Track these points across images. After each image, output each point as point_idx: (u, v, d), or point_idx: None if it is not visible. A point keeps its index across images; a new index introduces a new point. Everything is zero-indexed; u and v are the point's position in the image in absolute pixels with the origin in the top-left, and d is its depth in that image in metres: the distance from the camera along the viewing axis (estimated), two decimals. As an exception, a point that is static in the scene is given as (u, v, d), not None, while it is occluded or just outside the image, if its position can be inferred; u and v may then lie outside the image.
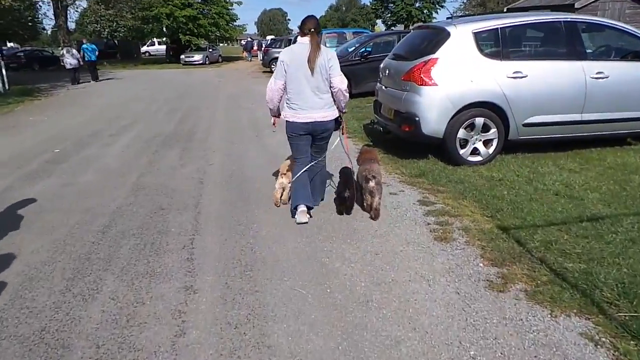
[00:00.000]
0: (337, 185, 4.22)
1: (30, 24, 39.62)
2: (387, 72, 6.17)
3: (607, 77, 5.33)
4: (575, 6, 11.32)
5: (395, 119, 5.77)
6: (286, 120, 3.95)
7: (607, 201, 4.12)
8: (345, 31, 15.70)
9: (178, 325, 2.53)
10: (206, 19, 34.35)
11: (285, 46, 21.09)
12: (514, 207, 4.02)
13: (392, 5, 52.76)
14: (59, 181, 5.27)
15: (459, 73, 5.18)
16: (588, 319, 2.50)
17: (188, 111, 10.78)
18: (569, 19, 5.44)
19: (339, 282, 2.94)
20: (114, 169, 5.78)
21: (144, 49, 47.95)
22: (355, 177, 4.21)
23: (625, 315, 2.50)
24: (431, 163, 5.50)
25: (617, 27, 5.64)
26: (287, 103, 3.92)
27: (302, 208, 3.89)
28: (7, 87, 15.60)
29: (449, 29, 5.30)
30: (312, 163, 4.06)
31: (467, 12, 44.01)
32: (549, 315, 2.55)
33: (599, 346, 2.30)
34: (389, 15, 53.44)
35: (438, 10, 52.78)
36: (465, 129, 5.27)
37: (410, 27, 43.45)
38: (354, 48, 11.21)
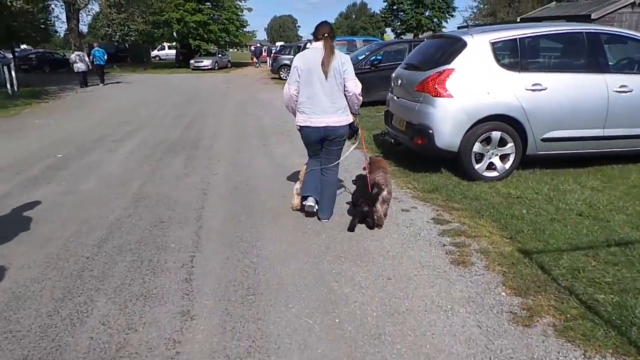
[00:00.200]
0: (352, 192, 4.07)
1: (42, 26, 39.97)
2: (399, 81, 5.95)
3: (630, 91, 5.08)
4: (592, 17, 11.07)
5: (407, 130, 5.55)
6: (299, 126, 3.94)
7: (635, 224, 3.86)
8: (355, 39, 15.57)
9: (172, 357, 2.30)
10: (216, 24, 34.42)
11: (295, 53, 21.06)
12: (535, 229, 3.77)
13: (402, 14, 52.70)
14: (58, 189, 5.09)
15: (475, 84, 4.95)
16: (626, 362, 2.25)
17: (195, 117, 10.63)
18: (591, 30, 5.21)
19: (348, 311, 2.71)
20: (116, 176, 5.59)
21: (154, 53, 48.20)
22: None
23: (668, 360, 2.24)
24: (444, 177, 5.26)
25: (642, 39, 5.40)
26: (299, 108, 3.88)
27: (310, 201, 4.03)
28: (16, 89, 15.56)
29: (466, 38, 5.07)
30: (324, 166, 4.03)
31: (477, 22, 43.75)
32: (583, 356, 2.30)
33: (641, 396, 2.05)
34: (399, 24, 53.37)
35: (448, 20, 52.69)
36: (481, 142, 5.03)
37: (420, 36, 43.36)
38: (364, 56, 11.02)
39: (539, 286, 2.93)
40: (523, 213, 4.14)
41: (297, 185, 4.31)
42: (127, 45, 42.25)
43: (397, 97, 5.93)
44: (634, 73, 5.46)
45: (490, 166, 5.15)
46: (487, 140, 5.04)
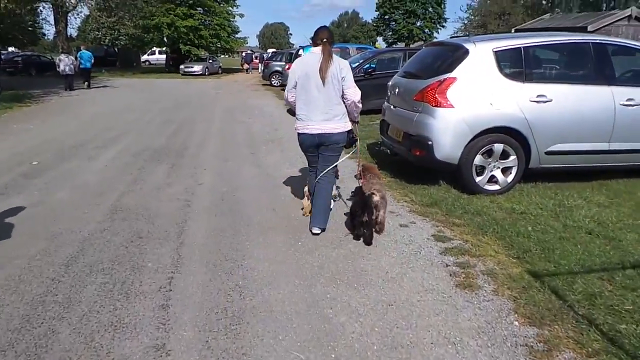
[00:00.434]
0: (352, 204, 3.88)
1: (30, 29, 39.30)
2: (396, 90, 5.70)
3: (638, 105, 4.88)
4: (588, 29, 10.99)
5: (404, 141, 5.28)
6: (297, 132, 3.87)
7: (649, 244, 3.62)
8: (348, 46, 15.38)
9: (140, 404, 1.98)
10: (207, 30, 34.10)
11: (287, 59, 20.83)
12: (544, 248, 3.51)
13: (394, 23, 52.94)
14: (29, 199, 4.71)
15: (477, 95, 4.71)
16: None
17: (182, 123, 10.28)
18: (597, 41, 5.01)
19: (345, 344, 2.39)
20: (93, 186, 5.23)
21: (144, 57, 47.68)
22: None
23: None
24: (443, 190, 5.00)
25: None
26: (296, 114, 3.81)
27: (316, 231, 3.85)
28: (-1, 92, 15.09)
29: (468, 46, 4.84)
30: (320, 175, 3.89)
31: (467, 33, 44.00)
32: (613, 402, 2.01)
33: None
34: (391, 33, 53.58)
35: (439, 30, 53.05)
36: (482, 155, 4.78)
37: (412, 46, 43.52)
38: (358, 64, 10.79)
39: (555, 314, 2.66)
40: (529, 230, 3.88)
41: (307, 188, 4.23)
42: (116, 49, 41.70)
43: (394, 106, 5.67)
44: (641, 86, 5.26)
45: (492, 179, 4.91)
46: (489, 153, 4.80)
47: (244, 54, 41.01)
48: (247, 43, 44.54)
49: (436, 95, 4.73)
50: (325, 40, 3.66)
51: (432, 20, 51.91)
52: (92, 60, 19.48)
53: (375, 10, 54.67)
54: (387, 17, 53.44)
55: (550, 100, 4.73)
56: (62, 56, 18.47)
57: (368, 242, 3.63)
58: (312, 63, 3.64)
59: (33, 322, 2.55)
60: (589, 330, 2.51)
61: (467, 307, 2.75)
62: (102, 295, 2.83)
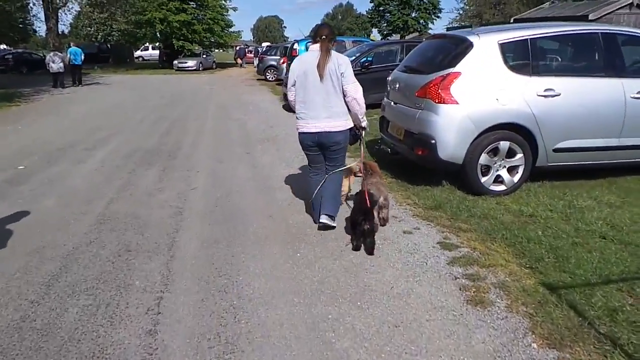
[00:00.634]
0: (351, 210, 3.65)
1: (20, 26, 38.68)
2: (396, 85, 5.46)
3: (649, 98, 4.66)
4: (590, 18, 10.74)
5: (405, 139, 5.06)
6: (297, 131, 3.81)
7: (668, 248, 3.41)
8: (344, 39, 15.06)
9: None
10: (201, 24, 33.65)
11: (281, 54, 20.50)
12: (557, 256, 3.30)
13: (388, 15, 52.49)
14: (11, 208, 4.45)
15: (482, 90, 4.48)
16: None
17: (175, 121, 10.01)
18: (607, 31, 4.77)
19: (349, 374, 2.18)
20: (81, 193, 4.98)
21: (137, 53, 47.17)
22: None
23: None
24: (447, 192, 4.78)
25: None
26: (297, 113, 3.75)
27: (323, 220, 3.81)
28: (-14, 91, 14.76)
29: (472, 39, 4.59)
30: (326, 177, 3.86)
31: (462, 24, 43.65)
32: None
33: None
34: (385, 25, 53.13)
35: (434, 21, 52.63)
36: (487, 154, 4.56)
37: (407, 37, 43.12)
38: (354, 57, 10.52)
39: (575, 334, 2.45)
40: (539, 235, 3.67)
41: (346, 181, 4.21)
42: (109, 45, 41.14)
43: (395, 103, 5.43)
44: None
45: (497, 179, 4.69)
46: (494, 151, 4.58)
47: (237, 48, 40.55)
48: (241, 37, 44.04)
49: (439, 91, 4.50)
50: (324, 37, 3.56)
51: (427, 11, 51.47)
52: (83, 57, 19.08)
53: (370, 2, 54.20)
54: (381, 8, 52.96)
55: (559, 95, 4.51)
56: (51, 53, 18.14)
57: (370, 252, 3.42)
58: (311, 60, 3.56)
59: (7, 354, 2.33)
60: (613, 352, 2.30)
61: (480, 326, 2.54)
62: (84, 320, 2.61)
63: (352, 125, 3.76)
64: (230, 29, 37.30)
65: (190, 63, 31.24)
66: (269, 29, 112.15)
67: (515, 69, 4.55)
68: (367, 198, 3.42)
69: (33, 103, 14.00)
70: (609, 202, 4.41)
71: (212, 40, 35.88)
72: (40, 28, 48.32)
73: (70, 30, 47.35)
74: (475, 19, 45.98)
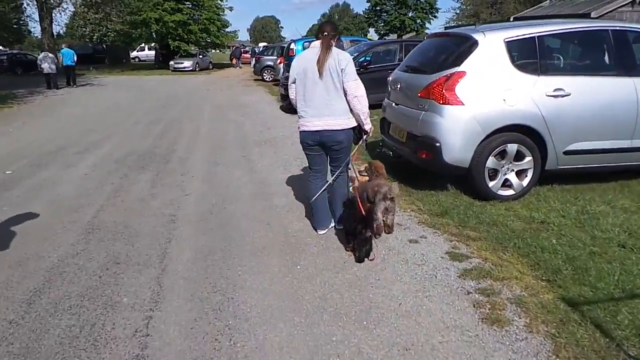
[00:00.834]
0: (344, 220, 3.47)
1: (15, 26, 38.32)
2: (397, 86, 5.24)
3: (662, 97, 4.46)
4: (592, 15, 10.57)
5: (408, 142, 4.85)
6: (298, 130, 3.69)
7: (691, 259, 3.21)
8: (342, 39, 14.83)
9: None
10: (197, 24, 33.35)
11: (278, 54, 20.26)
12: (575, 267, 3.10)
13: (385, 14, 52.38)
14: (-4, 217, 4.24)
15: (489, 90, 4.28)
16: None
17: (170, 123, 9.78)
18: (618, 27, 4.57)
19: (357, 407, 1.97)
20: (70, 199, 4.75)
21: (133, 54, 46.83)
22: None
23: None
24: (453, 196, 4.57)
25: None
26: (298, 112, 3.63)
27: (322, 232, 3.78)
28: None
29: (477, 36, 4.38)
30: (331, 181, 3.73)
31: (459, 23, 43.57)
32: None
33: None
34: (382, 24, 53.01)
35: (431, 20, 52.53)
36: (495, 157, 4.35)
37: (405, 37, 42.97)
38: (353, 57, 10.31)
39: (603, 357, 2.25)
40: (554, 244, 3.47)
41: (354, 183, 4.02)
42: (104, 46, 40.79)
43: (396, 104, 5.22)
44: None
45: (505, 183, 4.49)
46: (502, 154, 4.37)
47: (233, 47, 40.29)
48: (237, 37, 43.68)
49: (444, 92, 4.29)
50: (326, 33, 3.41)
51: (424, 11, 51.41)
52: (75, 58, 18.82)
53: (367, 2, 54.08)
54: (378, 8, 52.89)
55: (569, 95, 4.30)
56: (42, 54, 17.91)
57: (367, 257, 3.27)
58: (311, 57, 3.42)
59: (-22, 386, 2.11)
60: (647, 378, 2.10)
61: (499, 349, 2.33)
62: (66, 344, 2.39)
63: (355, 124, 3.59)
64: (227, 29, 37.03)
65: (187, 63, 30.96)
66: (265, 29, 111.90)
67: (522, 68, 4.34)
68: (359, 205, 3.23)
69: (26, 105, 13.73)
70: (623, 206, 4.22)
71: (209, 40, 35.59)
72: (35, 28, 47.89)
73: (66, 31, 46.95)
74: (473, 19, 45.92)
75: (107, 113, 11.66)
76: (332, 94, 3.42)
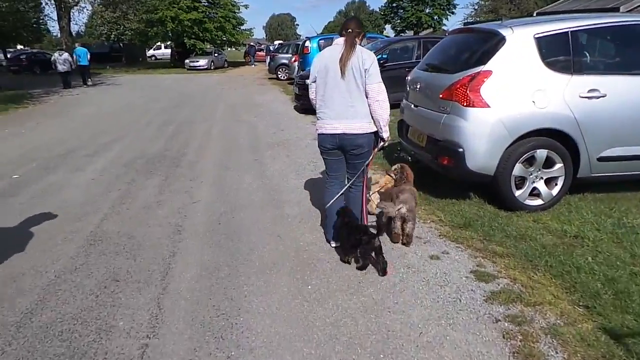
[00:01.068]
0: (346, 230, 3.25)
1: (34, 25, 38.83)
2: (417, 86, 4.94)
3: None
4: (621, 10, 10.04)
5: (428, 147, 4.56)
6: (316, 132, 3.47)
7: None
8: (357, 36, 14.51)
9: None
10: (212, 22, 33.34)
11: (293, 51, 20.02)
12: (616, 291, 2.78)
13: (402, 11, 51.66)
14: (-3, 226, 4.09)
15: (517, 91, 3.95)
16: None
17: (182, 124, 9.62)
18: (660, 22, 4.20)
19: None
20: (74, 206, 4.58)
21: (150, 52, 47.18)
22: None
23: None
24: (476, 206, 4.27)
25: None
26: (317, 112, 3.41)
27: (335, 245, 3.53)
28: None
29: (504, 32, 4.06)
30: (346, 186, 3.48)
31: (477, 19, 42.77)
32: None
33: None
34: (399, 21, 52.31)
35: (449, 17, 51.63)
36: (522, 163, 4.04)
37: (421, 33, 42.28)
38: (368, 55, 10.01)
39: (656, 405, 1.94)
40: (590, 262, 3.15)
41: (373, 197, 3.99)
42: (121, 44, 41.12)
43: (415, 105, 4.92)
44: None
45: (533, 192, 4.16)
46: (530, 161, 4.05)
47: (247, 46, 40.22)
48: (252, 35, 43.59)
49: (468, 93, 3.98)
50: (350, 30, 3.19)
51: (441, 7, 50.49)
52: (89, 57, 18.91)
53: (383, -2, 53.42)
54: (394, 4, 52.17)
55: (604, 96, 3.95)
56: (57, 54, 18.01)
57: (384, 273, 3.10)
58: (333, 55, 3.19)
59: None
60: None
61: (535, 392, 2.05)
62: (53, 378, 2.18)
63: (376, 129, 3.33)
64: (242, 27, 36.93)
65: (202, 62, 30.97)
66: (281, 26, 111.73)
67: (554, 66, 3.99)
68: (344, 217, 3.24)
69: (41, 105, 13.75)
70: (663, 219, 3.86)
71: (224, 38, 35.55)
72: (54, 27, 48.59)
73: (85, 30, 47.44)
74: (491, 14, 45.03)
75: (120, 113, 11.57)
76: (354, 95, 3.18)
